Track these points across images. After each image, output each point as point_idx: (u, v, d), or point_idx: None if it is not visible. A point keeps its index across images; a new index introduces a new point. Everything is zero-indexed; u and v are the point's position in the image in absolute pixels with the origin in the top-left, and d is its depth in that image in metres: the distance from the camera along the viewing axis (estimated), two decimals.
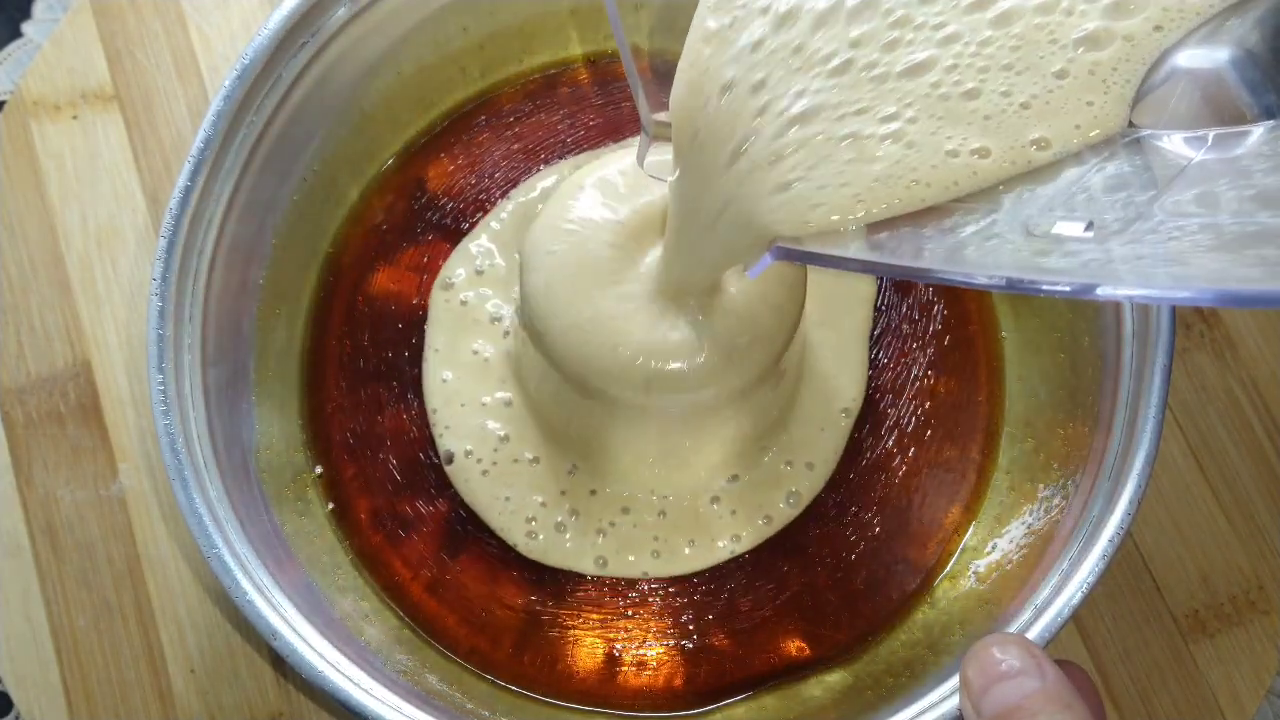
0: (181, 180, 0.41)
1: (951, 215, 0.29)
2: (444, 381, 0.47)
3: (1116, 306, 0.42)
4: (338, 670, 0.37)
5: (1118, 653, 0.46)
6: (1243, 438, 0.49)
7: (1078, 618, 0.41)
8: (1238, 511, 0.48)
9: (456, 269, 0.48)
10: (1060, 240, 0.27)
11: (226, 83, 0.42)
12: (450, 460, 0.46)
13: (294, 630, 0.37)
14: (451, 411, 0.46)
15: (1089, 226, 0.27)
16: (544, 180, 0.50)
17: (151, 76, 0.52)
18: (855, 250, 0.29)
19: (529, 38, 0.51)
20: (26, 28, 0.58)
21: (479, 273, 0.48)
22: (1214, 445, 0.49)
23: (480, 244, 0.49)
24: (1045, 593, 0.38)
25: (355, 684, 0.37)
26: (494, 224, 0.49)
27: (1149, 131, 0.29)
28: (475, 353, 0.47)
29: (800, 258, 0.30)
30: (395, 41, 0.47)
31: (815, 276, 0.48)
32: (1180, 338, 0.49)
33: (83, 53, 0.52)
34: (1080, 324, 0.45)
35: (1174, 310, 0.41)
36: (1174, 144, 0.29)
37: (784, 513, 0.46)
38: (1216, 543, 0.47)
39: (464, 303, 0.48)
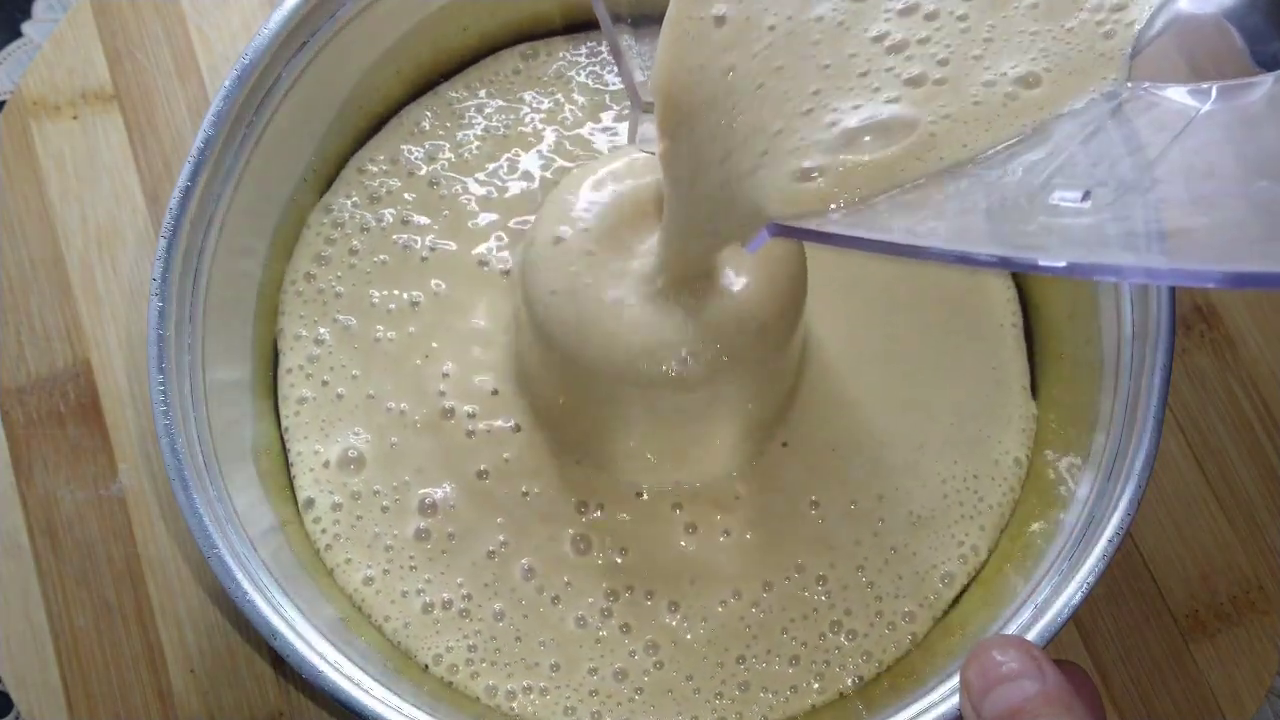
0: (181, 180, 0.41)
1: (945, 188, 0.28)
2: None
3: (1116, 304, 0.42)
4: (338, 670, 0.37)
5: (1118, 653, 0.46)
6: (1243, 438, 0.49)
7: (1078, 618, 0.41)
8: (1238, 511, 0.48)
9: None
10: (1057, 212, 0.26)
11: (226, 83, 0.42)
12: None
13: (294, 630, 0.37)
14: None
15: (1085, 196, 0.26)
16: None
17: (151, 76, 0.52)
18: (851, 227, 0.28)
19: (527, 36, 0.51)
20: (26, 28, 0.58)
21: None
22: (1214, 445, 0.49)
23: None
24: (1045, 593, 0.38)
25: (355, 684, 0.37)
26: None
27: (1149, 84, 0.28)
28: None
29: (797, 235, 0.29)
30: (395, 41, 0.47)
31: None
32: (1180, 338, 0.49)
33: (83, 53, 0.52)
34: (1080, 323, 0.45)
35: (1174, 310, 0.41)
36: (1178, 96, 0.27)
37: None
38: (1216, 543, 0.47)
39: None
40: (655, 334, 0.39)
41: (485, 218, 0.48)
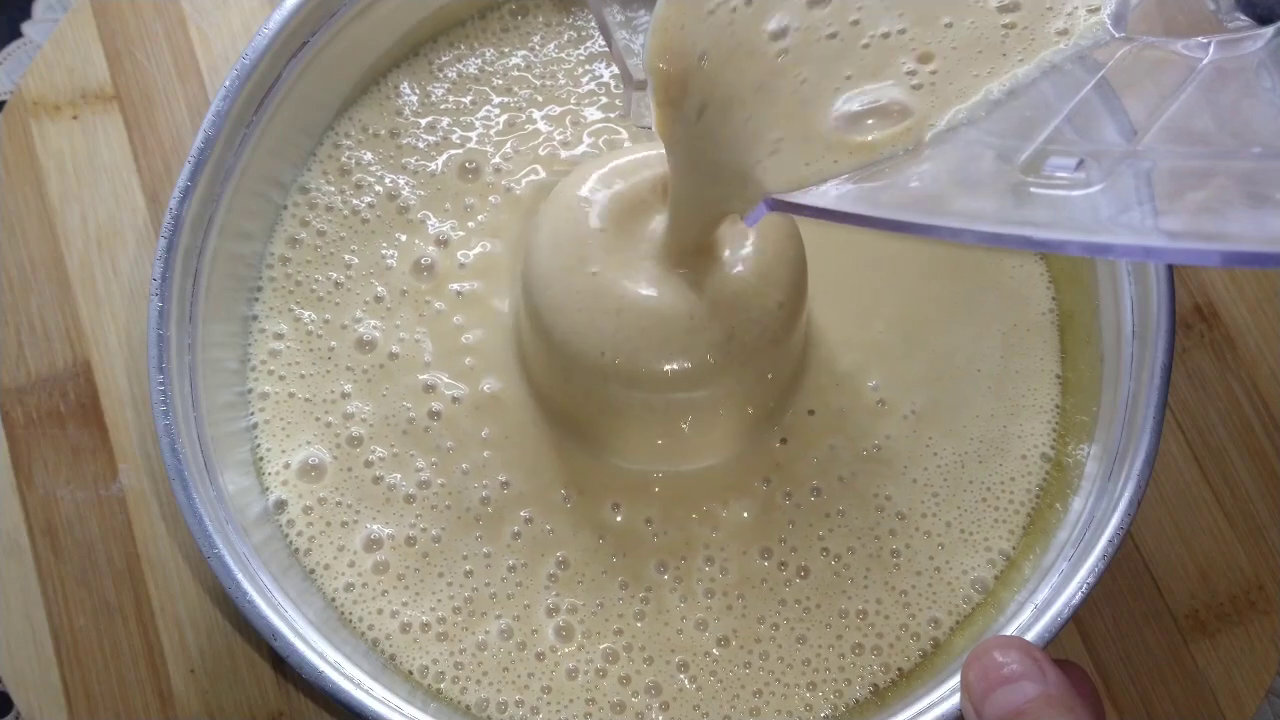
0: (181, 180, 0.41)
1: (937, 157, 0.28)
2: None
3: (1116, 304, 0.42)
4: (338, 670, 0.37)
5: (1118, 653, 0.46)
6: (1243, 438, 0.49)
7: (1078, 618, 0.41)
8: (1238, 511, 0.48)
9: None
10: (1052, 182, 0.25)
11: (226, 83, 0.42)
12: None
13: (294, 630, 0.37)
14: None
15: (1079, 165, 0.25)
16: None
17: (151, 76, 0.51)
18: (846, 202, 0.28)
19: None
20: (26, 28, 0.58)
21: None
22: (1214, 445, 0.48)
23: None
24: (1045, 593, 0.38)
25: (355, 684, 0.37)
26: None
27: (1145, 39, 0.27)
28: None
29: (794, 209, 0.29)
30: (395, 41, 0.47)
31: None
32: (1180, 338, 0.49)
33: (83, 53, 0.51)
34: (1080, 323, 0.45)
35: (1174, 310, 0.41)
36: (1179, 49, 0.27)
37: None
38: (1216, 543, 0.47)
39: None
40: (658, 326, 0.39)
41: (424, 140, 0.47)
